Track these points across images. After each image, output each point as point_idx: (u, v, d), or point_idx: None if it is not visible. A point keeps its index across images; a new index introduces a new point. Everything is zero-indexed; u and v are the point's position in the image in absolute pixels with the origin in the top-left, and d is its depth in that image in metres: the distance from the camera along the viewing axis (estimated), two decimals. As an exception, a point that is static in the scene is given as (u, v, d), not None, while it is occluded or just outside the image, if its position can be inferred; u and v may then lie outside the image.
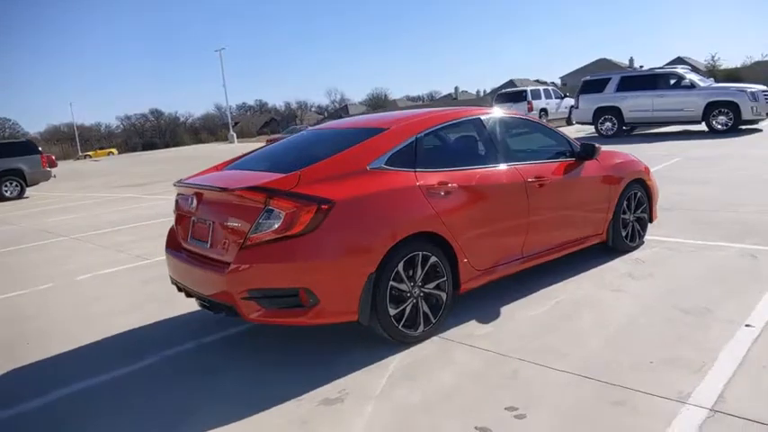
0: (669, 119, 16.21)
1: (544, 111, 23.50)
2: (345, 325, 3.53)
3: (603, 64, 74.70)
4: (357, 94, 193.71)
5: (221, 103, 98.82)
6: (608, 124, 17.13)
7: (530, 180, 4.37)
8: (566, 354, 3.41)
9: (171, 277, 4.16)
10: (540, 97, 23.57)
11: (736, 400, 2.74)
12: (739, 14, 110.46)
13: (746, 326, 3.57)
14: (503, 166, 4.29)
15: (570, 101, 26.00)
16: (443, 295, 3.82)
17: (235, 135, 53.38)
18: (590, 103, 17.37)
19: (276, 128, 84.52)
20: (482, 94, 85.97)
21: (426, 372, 3.35)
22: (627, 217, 5.35)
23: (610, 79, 17.26)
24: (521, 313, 4.12)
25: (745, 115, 14.82)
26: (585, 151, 4.83)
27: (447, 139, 4.23)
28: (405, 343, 3.67)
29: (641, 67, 74.49)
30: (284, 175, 3.49)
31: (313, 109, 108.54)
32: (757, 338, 3.38)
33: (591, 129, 19.04)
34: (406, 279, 3.59)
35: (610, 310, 4.05)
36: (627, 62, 75.63)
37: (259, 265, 3.31)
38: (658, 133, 17.78)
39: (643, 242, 5.61)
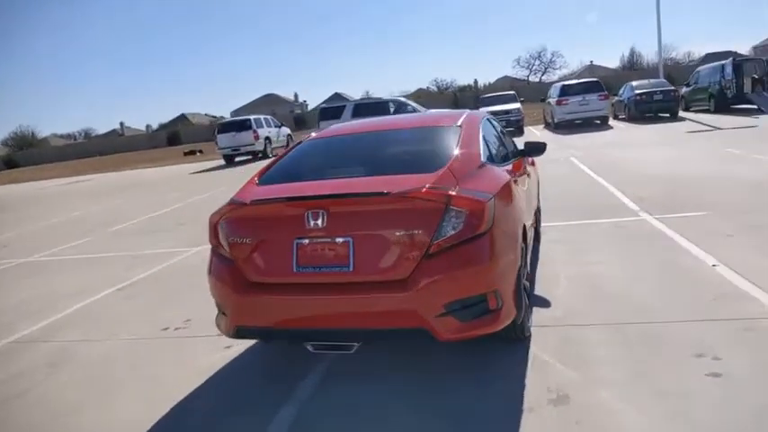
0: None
1: (268, 139, 23.92)
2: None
3: (272, 99, 79.41)
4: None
5: None
6: (348, 147, 18.56)
7: (521, 172, 4.79)
8: (649, 309, 3.93)
9: (242, 328, 3.18)
10: (262, 126, 23.89)
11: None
12: (383, 56, 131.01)
13: (713, 265, 4.69)
14: (513, 161, 4.61)
15: (286, 129, 27.13)
16: (528, 284, 3.92)
17: None
18: (330, 128, 18.53)
19: None
20: (152, 129, 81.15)
21: (582, 352, 3.43)
22: (535, 207, 6.21)
23: (345, 107, 18.77)
24: (553, 293, 4.47)
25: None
26: (538, 148, 5.47)
27: (484, 136, 4.31)
28: (519, 339, 3.61)
29: (305, 101, 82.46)
30: (436, 173, 3.14)
31: None
32: (735, 270, 4.47)
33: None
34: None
35: (613, 276, 4.73)
36: (292, 97, 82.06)
37: (453, 273, 2.89)
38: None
39: (539, 228, 6.57)
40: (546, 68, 74.17)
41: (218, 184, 15.57)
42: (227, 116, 76.46)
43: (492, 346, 3.57)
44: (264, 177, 3.69)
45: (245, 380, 3.60)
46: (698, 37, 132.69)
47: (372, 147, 3.96)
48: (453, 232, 2.92)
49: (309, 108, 76.61)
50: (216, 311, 3.51)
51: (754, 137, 12.91)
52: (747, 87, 19.22)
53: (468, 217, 2.94)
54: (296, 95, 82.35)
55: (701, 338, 3.42)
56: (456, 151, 3.47)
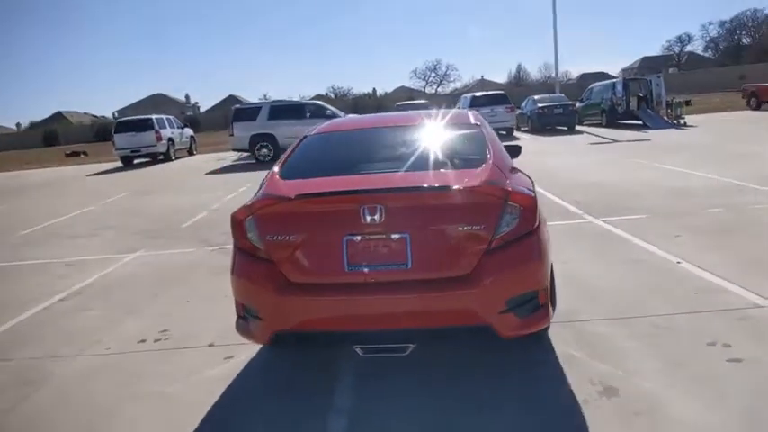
0: (317, 144, 18.30)
1: (171, 140, 22.57)
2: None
3: (160, 99, 75.22)
4: None
5: None
6: (264, 150, 18.03)
7: None
8: (644, 304, 4.16)
9: (283, 333, 2.95)
10: (165, 126, 22.49)
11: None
12: (279, 59, 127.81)
13: (678, 262, 5.08)
14: None
15: (189, 131, 25.78)
16: None
17: None
18: (245, 130, 17.90)
19: None
20: (23, 127, 73.49)
21: (604, 346, 3.56)
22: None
23: (261, 108, 18.22)
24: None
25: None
26: (515, 150, 5.58)
27: None
28: (541, 336, 3.67)
29: (196, 103, 79.01)
30: (484, 169, 3.13)
31: None
32: (699, 266, 4.88)
33: (240, 155, 19.93)
34: None
35: (593, 274, 4.97)
36: (183, 98, 78.30)
37: (513, 269, 2.89)
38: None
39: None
40: (441, 81, 77.07)
41: (122, 188, 14.43)
42: (110, 116, 71.34)
43: (512, 346, 3.59)
44: (287, 172, 3.44)
45: (270, 392, 3.35)
46: (574, 58, 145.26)
47: (396, 142, 3.83)
48: (509, 228, 2.91)
49: (202, 110, 73.71)
50: (237, 317, 3.24)
51: (651, 148, 14.21)
52: (633, 105, 21.19)
53: (522, 212, 2.95)
54: (187, 96, 78.69)
55: (704, 328, 3.68)
56: (489, 148, 3.47)
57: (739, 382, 3.01)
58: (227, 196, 11.44)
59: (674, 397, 2.92)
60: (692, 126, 19.39)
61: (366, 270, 2.89)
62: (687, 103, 20.46)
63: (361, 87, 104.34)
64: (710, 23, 79.79)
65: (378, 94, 70.15)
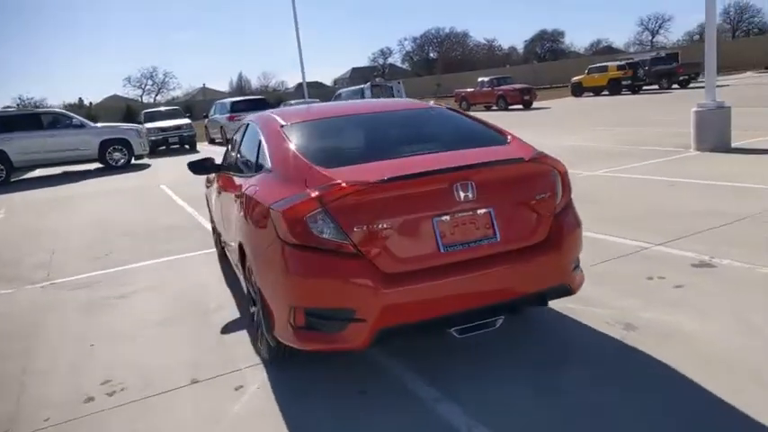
0: (65, 159, 15.56)
1: None
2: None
3: None
4: None
5: None
6: (-8, 170, 14.59)
7: None
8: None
9: (387, 330, 2.70)
10: None
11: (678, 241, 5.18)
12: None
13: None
14: None
15: None
16: None
17: None
18: (-39, 147, 14.21)
19: None
20: None
21: (585, 295, 4.06)
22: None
23: (-16, 118, 14.67)
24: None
25: (137, 150, 16.32)
26: None
27: None
28: None
29: None
30: (518, 143, 3.35)
31: None
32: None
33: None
34: None
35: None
36: None
37: (572, 231, 3.16)
38: (51, 175, 16.36)
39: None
40: (160, 89, 72.29)
41: None
42: None
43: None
44: (321, 162, 3.03)
45: (340, 406, 2.97)
46: (290, 68, 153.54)
47: (410, 127, 3.77)
48: (561, 194, 3.18)
49: None
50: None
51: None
52: (379, 108, 23.34)
53: (563, 180, 3.24)
54: None
55: (631, 269, 4.49)
56: (495, 128, 3.65)
57: (701, 300, 3.81)
58: (-13, 226, 9.11)
59: (677, 319, 3.56)
60: (430, 125, 22.23)
61: (461, 249, 2.83)
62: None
63: (62, 97, 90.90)
64: (405, 39, 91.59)
65: (86, 103, 62.26)
